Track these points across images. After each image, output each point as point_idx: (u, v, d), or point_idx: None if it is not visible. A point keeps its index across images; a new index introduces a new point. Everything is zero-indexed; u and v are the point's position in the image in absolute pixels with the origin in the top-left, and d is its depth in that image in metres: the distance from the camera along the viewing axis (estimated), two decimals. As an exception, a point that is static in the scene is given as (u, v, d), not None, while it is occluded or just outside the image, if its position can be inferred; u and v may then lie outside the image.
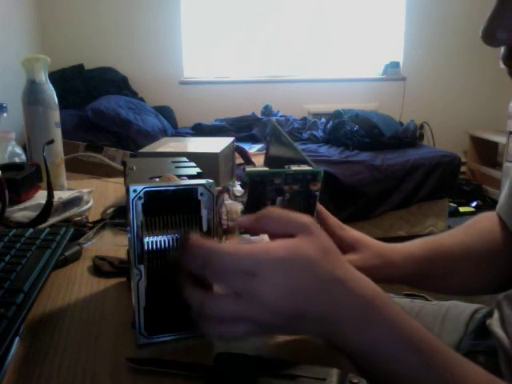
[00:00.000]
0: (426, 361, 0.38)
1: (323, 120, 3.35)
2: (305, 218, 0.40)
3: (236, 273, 0.37)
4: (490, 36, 0.38)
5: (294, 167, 0.45)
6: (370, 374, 0.40)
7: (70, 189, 0.96)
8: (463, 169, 3.70)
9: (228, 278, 0.37)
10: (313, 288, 0.38)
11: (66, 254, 0.63)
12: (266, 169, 0.45)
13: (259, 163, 0.62)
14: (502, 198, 0.68)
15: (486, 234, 0.66)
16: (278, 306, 0.37)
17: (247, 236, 0.47)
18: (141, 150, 0.94)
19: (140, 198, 0.41)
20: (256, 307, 0.37)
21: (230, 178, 1.02)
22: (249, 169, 0.44)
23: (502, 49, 0.41)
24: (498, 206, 0.69)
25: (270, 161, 0.58)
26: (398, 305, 0.41)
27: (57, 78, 3.05)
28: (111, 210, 0.82)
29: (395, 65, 3.96)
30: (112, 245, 0.70)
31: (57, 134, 0.96)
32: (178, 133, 3.23)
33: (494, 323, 0.60)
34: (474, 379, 0.38)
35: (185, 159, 0.56)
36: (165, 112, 3.40)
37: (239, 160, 1.17)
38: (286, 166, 0.45)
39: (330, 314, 0.39)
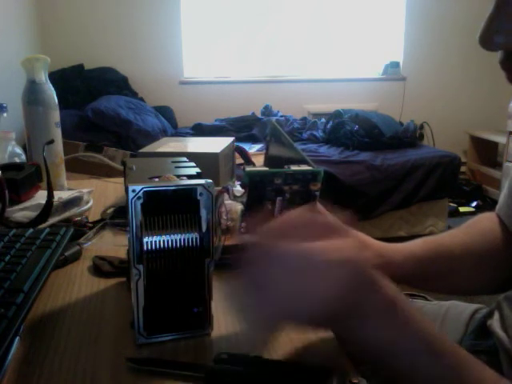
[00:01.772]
0: (446, 363, 0.39)
1: (323, 120, 3.35)
2: (336, 221, 0.42)
3: (306, 268, 0.38)
4: (488, 40, 0.39)
5: (294, 167, 0.45)
6: (387, 371, 0.40)
7: (70, 189, 0.96)
8: (463, 169, 3.70)
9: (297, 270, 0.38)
10: (352, 284, 0.39)
11: (66, 254, 0.63)
12: (266, 169, 0.45)
13: (259, 163, 0.62)
14: (502, 198, 0.68)
15: (486, 234, 0.66)
16: (329, 300, 0.38)
17: (247, 236, 0.47)
18: (141, 150, 0.94)
19: (139, 197, 0.41)
20: (311, 296, 0.38)
21: (230, 178, 1.02)
22: (248, 169, 0.44)
23: (499, 53, 0.41)
24: (497, 207, 0.69)
25: (269, 161, 0.58)
26: (415, 307, 0.41)
27: (57, 78, 3.05)
28: (111, 210, 0.82)
29: (395, 65, 3.96)
30: (112, 245, 0.70)
31: (57, 134, 0.96)
32: (178, 133, 3.23)
33: (495, 324, 0.60)
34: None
35: (185, 159, 0.56)
36: (165, 112, 3.40)
37: (239, 160, 1.17)
38: (286, 166, 0.45)
39: (360, 310, 0.39)
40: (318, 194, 0.46)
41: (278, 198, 0.45)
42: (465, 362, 0.39)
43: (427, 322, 0.41)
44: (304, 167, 0.45)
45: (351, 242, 0.42)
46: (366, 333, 0.40)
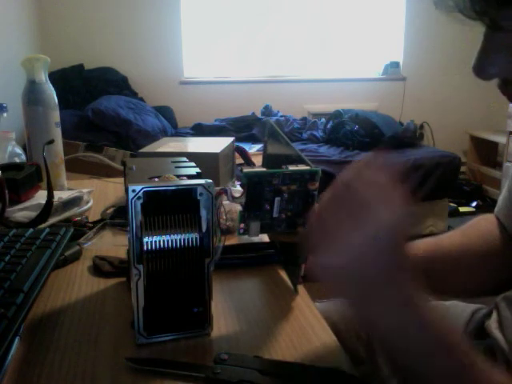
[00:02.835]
0: (452, 358, 0.39)
1: (323, 120, 3.35)
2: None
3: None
4: (481, 71, 0.39)
5: (292, 167, 0.45)
6: (393, 354, 0.41)
7: (70, 189, 0.96)
8: (463, 169, 3.70)
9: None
10: (390, 257, 0.40)
11: (66, 254, 0.63)
12: (264, 169, 0.45)
13: (259, 163, 0.62)
14: (501, 200, 0.68)
15: (485, 235, 0.66)
16: (363, 247, 0.39)
17: (246, 237, 0.47)
18: (141, 150, 0.94)
19: (139, 197, 0.41)
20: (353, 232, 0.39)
21: (230, 178, 1.02)
22: (246, 170, 0.44)
23: (497, 79, 0.42)
24: (496, 209, 0.69)
25: (268, 161, 0.58)
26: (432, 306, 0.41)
27: (57, 78, 3.05)
28: (111, 210, 0.82)
29: (395, 65, 3.96)
30: (112, 245, 0.70)
31: (57, 133, 0.96)
32: (178, 133, 3.23)
33: (492, 325, 0.60)
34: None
35: (185, 159, 0.56)
36: (165, 112, 3.40)
37: (239, 160, 1.17)
38: (284, 166, 0.45)
39: (384, 286, 0.40)
40: (316, 193, 0.46)
41: (277, 198, 0.45)
42: (476, 368, 0.40)
43: (444, 322, 0.41)
44: (302, 167, 0.45)
45: (405, 214, 0.41)
46: (379, 313, 0.40)
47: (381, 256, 0.40)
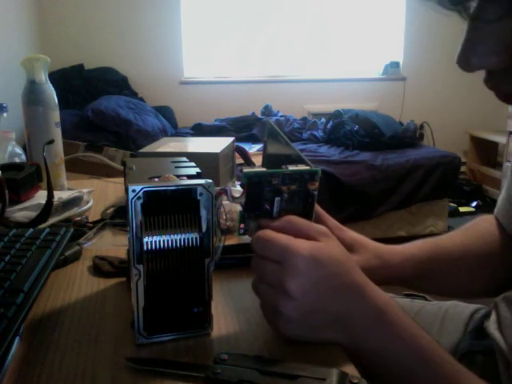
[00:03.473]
0: (434, 369, 0.39)
1: (323, 120, 3.35)
2: (323, 227, 0.44)
3: (268, 259, 0.41)
4: (465, 63, 0.39)
5: (292, 167, 0.45)
6: (378, 377, 0.41)
7: (70, 189, 0.96)
8: (463, 169, 3.69)
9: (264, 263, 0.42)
10: (334, 287, 0.40)
11: (66, 254, 0.63)
12: (264, 169, 0.45)
13: (259, 163, 0.62)
14: (500, 200, 0.68)
15: (485, 236, 0.66)
16: (300, 299, 0.40)
17: (246, 237, 0.47)
18: (141, 150, 0.94)
19: (139, 197, 0.41)
20: (283, 295, 0.40)
21: (230, 178, 1.02)
22: (246, 170, 0.44)
23: (483, 72, 0.42)
24: (495, 210, 0.69)
25: (267, 161, 0.58)
26: (407, 315, 0.42)
27: (57, 78, 3.05)
28: (111, 210, 0.82)
29: (395, 65, 3.96)
30: (112, 245, 0.70)
31: (57, 134, 0.96)
32: (178, 133, 3.23)
33: (491, 325, 0.60)
34: None
35: (185, 159, 0.56)
36: (165, 112, 3.40)
37: (239, 160, 1.17)
38: (284, 166, 0.45)
39: (346, 315, 0.41)
40: (316, 193, 0.46)
41: (276, 199, 0.45)
42: (455, 373, 0.40)
43: (419, 329, 0.41)
44: (302, 167, 0.45)
45: (336, 245, 0.43)
46: (356, 338, 0.41)
47: (330, 287, 0.40)
